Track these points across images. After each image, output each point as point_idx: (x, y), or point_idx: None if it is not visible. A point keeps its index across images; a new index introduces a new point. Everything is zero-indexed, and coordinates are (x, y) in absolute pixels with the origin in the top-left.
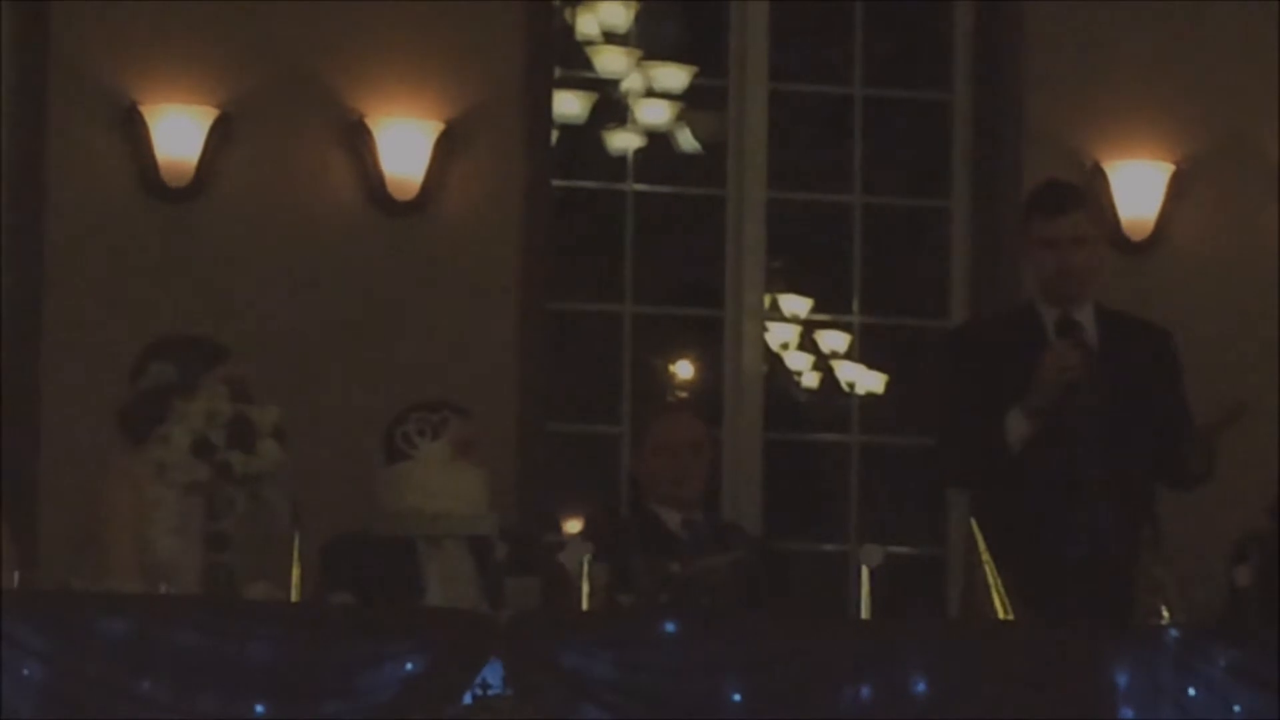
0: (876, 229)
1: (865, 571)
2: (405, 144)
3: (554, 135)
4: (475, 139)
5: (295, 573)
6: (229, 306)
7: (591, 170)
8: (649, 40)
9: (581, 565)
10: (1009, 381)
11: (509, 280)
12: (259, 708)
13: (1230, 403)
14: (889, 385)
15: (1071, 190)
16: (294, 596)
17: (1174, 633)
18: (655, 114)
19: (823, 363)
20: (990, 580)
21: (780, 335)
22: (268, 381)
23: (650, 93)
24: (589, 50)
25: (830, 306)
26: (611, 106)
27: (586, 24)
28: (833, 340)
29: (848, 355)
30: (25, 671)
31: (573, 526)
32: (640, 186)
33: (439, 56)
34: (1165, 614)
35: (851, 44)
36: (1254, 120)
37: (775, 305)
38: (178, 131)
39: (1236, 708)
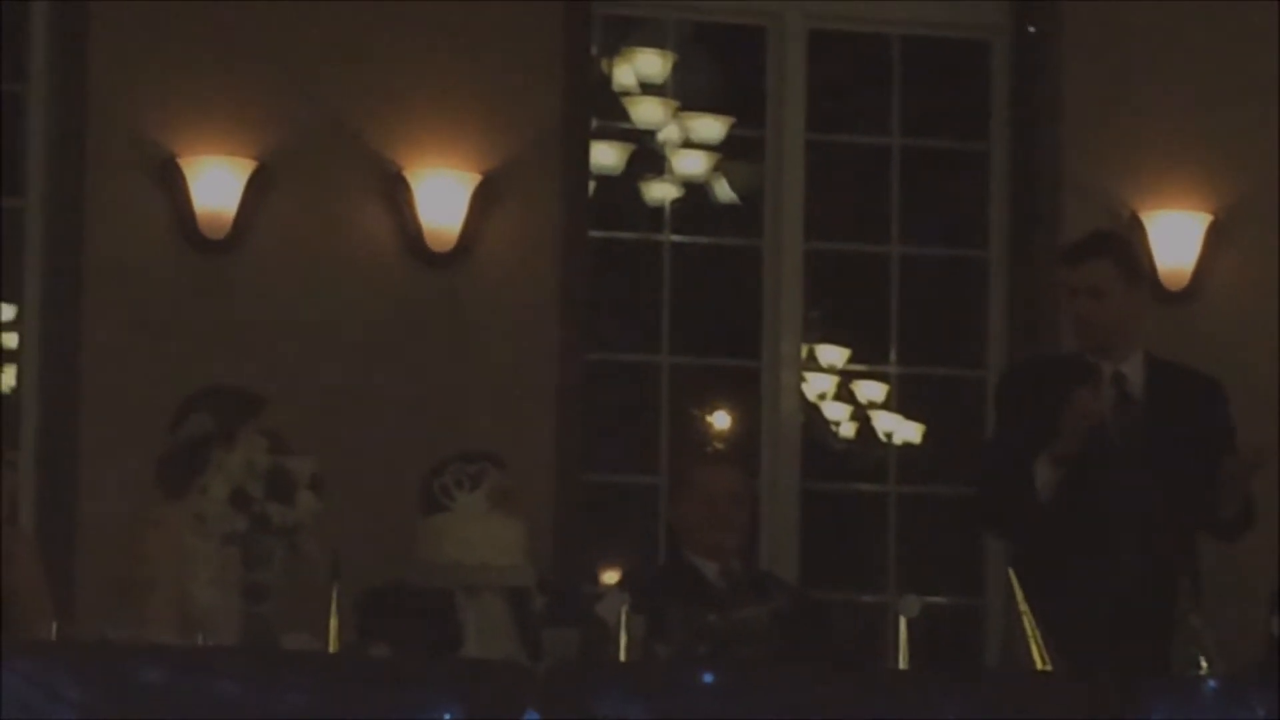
0: (914, 279)
1: (903, 622)
2: (443, 195)
3: (591, 186)
4: (513, 190)
5: (333, 624)
6: (267, 358)
7: (629, 221)
8: (686, 91)
9: (619, 616)
10: (1049, 428)
11: (546, 331)
12: None
13: (1257, 446)
14: (926, 435)
15: (1095, 240)
16: (332, 647)
17: (1212, 683)
18: (692, 165)
19: (860, 413)
20: (1029, 630)
21: (817, 385)
22: (305, 432)
23: (687, 143)
24: (626, 101)
25: (867, 356)
26: (648, 157)
27: (624, 75)
28: (870, 390)
29: (885, 405)
30: None
31: (610, 577)
32: (677, 237)
33: (476, 108)
34: (1203, 664)
35: (888, 94)
36: None
37: (812, 355)
38: (216, 183)
39: None
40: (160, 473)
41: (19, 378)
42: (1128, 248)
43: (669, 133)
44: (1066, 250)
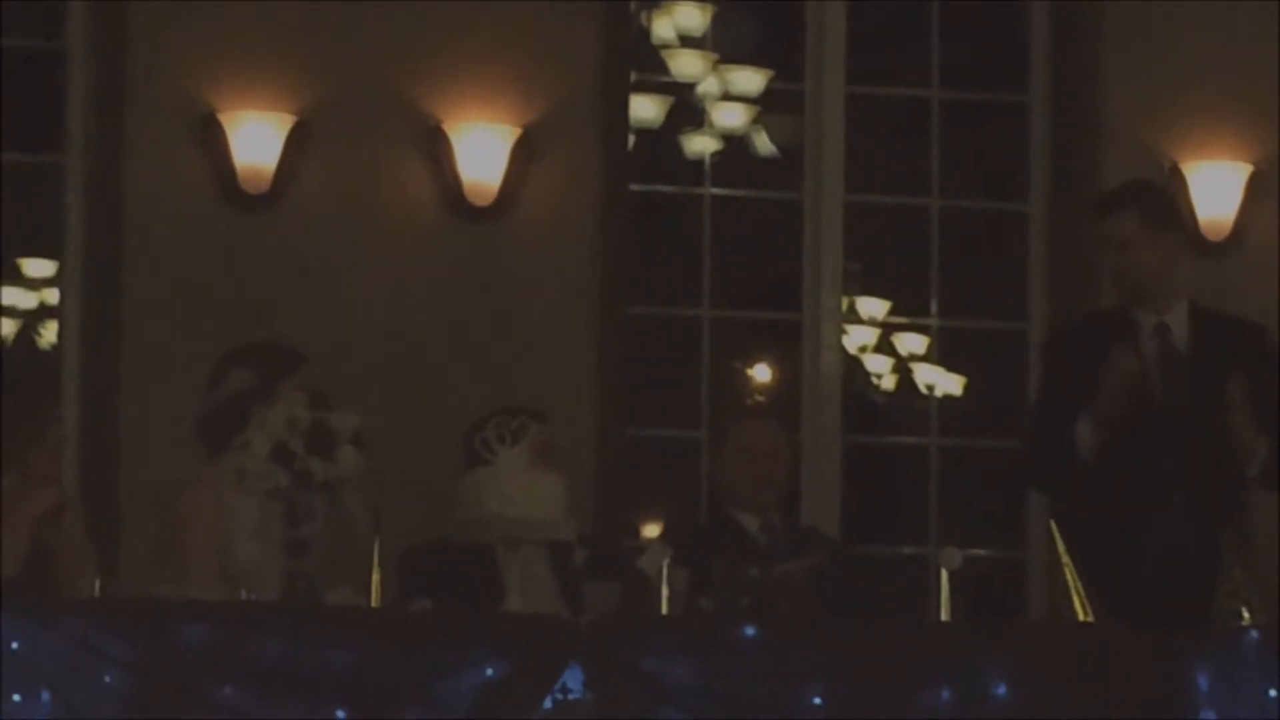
0: (954, 231)
1: (944, 574)
2: (482, 149)
3: (631, 139)
4: (552, 144)
5: (375, 579)
6: (307, 313)
7: (668, 174)
8: (725, 44)
9: (661, 570)
10: (1092, 387)
11: (587, 285)
12: (340, 714)
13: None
14: (967, 387)
15: (1120, 192)
16: (374, 603)
17: (1254, 634)
18: (732, 117)
19: (901, 365)
20: (1070, 582)
21: (858, 338)
22: (346, 387)
23: (727, 96)
24: (665, 54)
25: (908, 309)
26: (688, 110)
27: (663, 28)
28: (911, 343)
29: (926, 358)
30: (107, 679)
31: (652, 531)
32: (717, 190)
33: (516, 62)
34: (1245, 615)
35: (928, 46)
36: None
37: (853, 308)
38: (256, 138)
39: None
40: (202, 429)
41: (60, 334)
42: (1156, 196)
43: (708, 86)
44: (1093, 203)
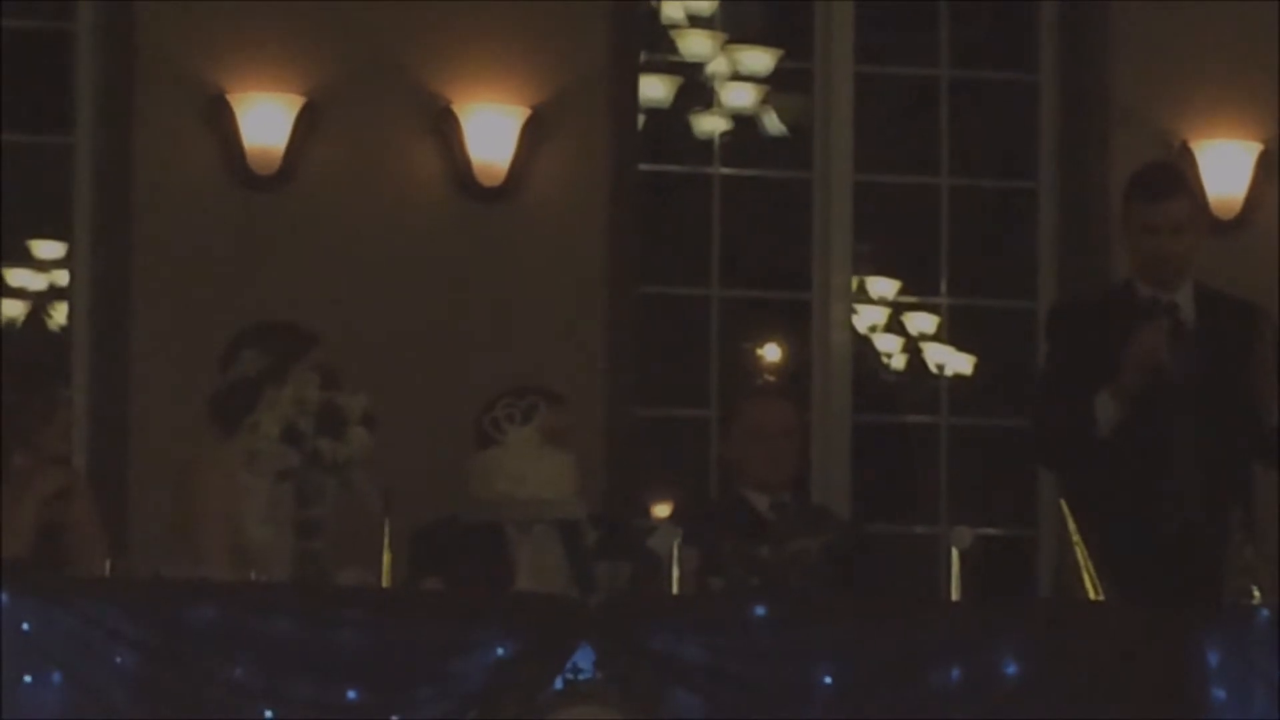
0: (964, 211)
1: (955, 553)
2: (492, 130)
3: (640, 119)
4: (562, 124)
5: (386, 559)
6: (317, 294)
7: (678, 154)
8: (734, 23)
9: (671, 549)
10: (1104, 362)
11: (596, 265)
12: (351, 694)
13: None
14: (977, 366)
15: (1173, 176)
16: (385, 583)
17: (1265, 613)
18: (741, 97)
19: (911, 344)
20: (1081, 561)
21: (868, 317)
22: (356, 368)
23: (736, 76)
24: (674, 34)
25: (918, 288)
26: (697, 90)
27: (671, 8)
28: (921, 322)
29: (936, 337)
30: (118, 659)
31: (662, 511)
32: (727, 170)
33: (525, 42)
34: (1256, 594)
35: (937, 25)
36: None
37: (863, 287)
38: (264, 120)
39: None
40: (212, 410)
41: (69, 316)
42: (1191, 181)
43: (717, 65)
44: (1142, 187)
